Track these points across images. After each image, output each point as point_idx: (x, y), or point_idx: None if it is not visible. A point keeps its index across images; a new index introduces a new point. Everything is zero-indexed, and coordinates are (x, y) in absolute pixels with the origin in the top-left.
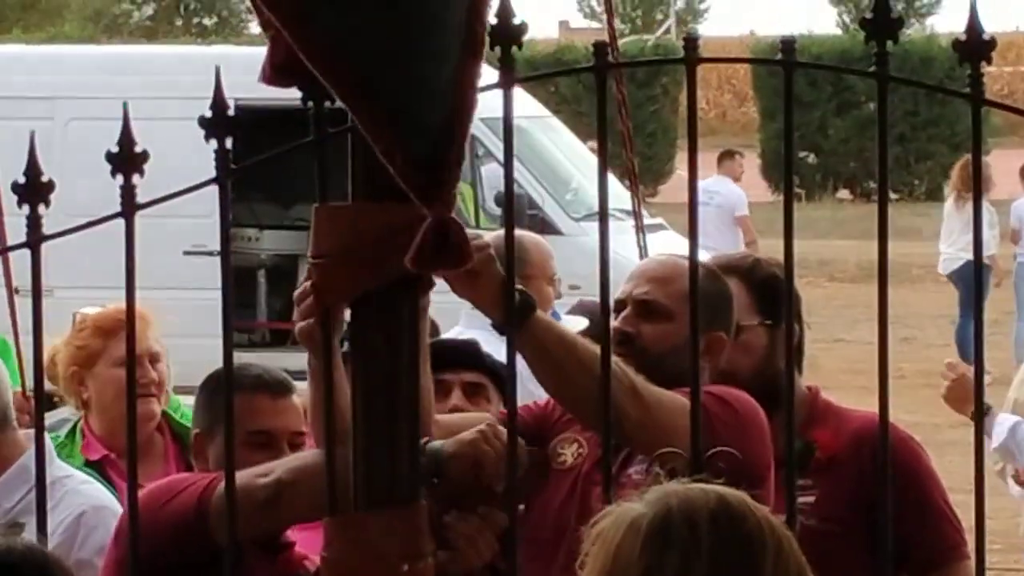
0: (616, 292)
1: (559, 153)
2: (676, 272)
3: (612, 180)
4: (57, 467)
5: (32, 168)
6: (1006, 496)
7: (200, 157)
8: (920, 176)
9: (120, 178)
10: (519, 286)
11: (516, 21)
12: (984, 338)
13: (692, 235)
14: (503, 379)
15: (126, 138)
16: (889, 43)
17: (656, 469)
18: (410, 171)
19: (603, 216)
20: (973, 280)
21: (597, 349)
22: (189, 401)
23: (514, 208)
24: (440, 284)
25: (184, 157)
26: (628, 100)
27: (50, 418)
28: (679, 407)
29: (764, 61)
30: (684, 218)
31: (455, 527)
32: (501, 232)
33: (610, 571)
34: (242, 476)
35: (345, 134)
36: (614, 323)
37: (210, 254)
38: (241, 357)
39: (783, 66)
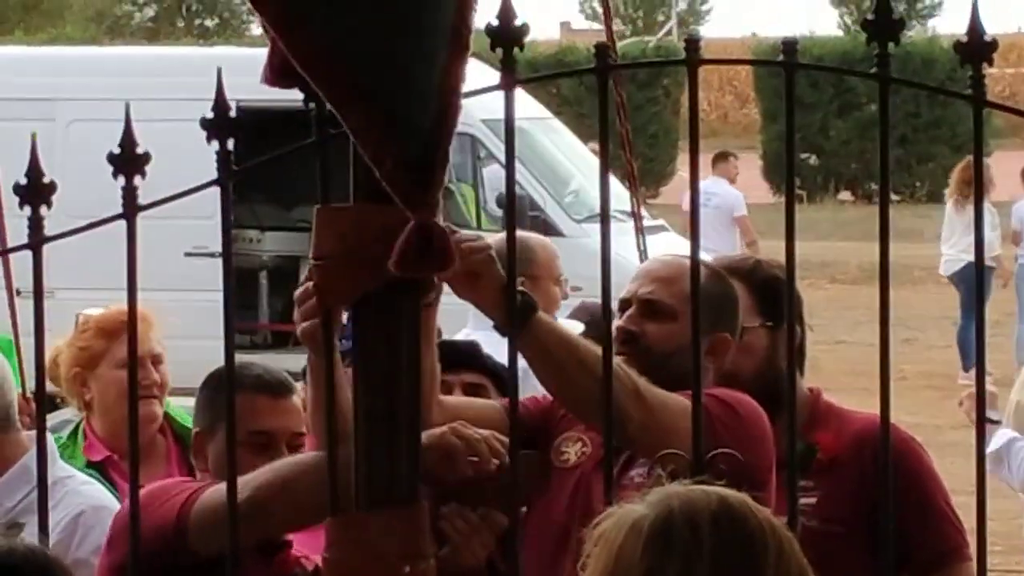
0: (618, 293)
1: (560, 155)
2: (681, 272)
3: (613, 182)
4: (59, 468)
5: (34, 169)
6: (1009, 498)
7: (202, 159)
8: (922, 178)
9: (122, 179)
10: (522, 287)
11: (517, 22)
12: (986, 340)
13: (694, 236)
14: (503, 379)
15: (128, 139)
16: (891, 45)
17: (658, 471)
18: (400, 174)
19: (605, 218)
20: (975, 281)
21: (599, 350)
22: (191, 404)
23: (516, 210)
24: (446, 285)
25: (186, 159)
26: (629, 102)
27: (52, 419)
28: (682, 409)
29: (765, 62)
30: (684, 219)
31: (452, 520)
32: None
33: (612, 572)
34: (217, 491)
35: (346, 135)
36: (618, 322)
37: (212, 255)
38: (243, 358)
39: (784, 67)
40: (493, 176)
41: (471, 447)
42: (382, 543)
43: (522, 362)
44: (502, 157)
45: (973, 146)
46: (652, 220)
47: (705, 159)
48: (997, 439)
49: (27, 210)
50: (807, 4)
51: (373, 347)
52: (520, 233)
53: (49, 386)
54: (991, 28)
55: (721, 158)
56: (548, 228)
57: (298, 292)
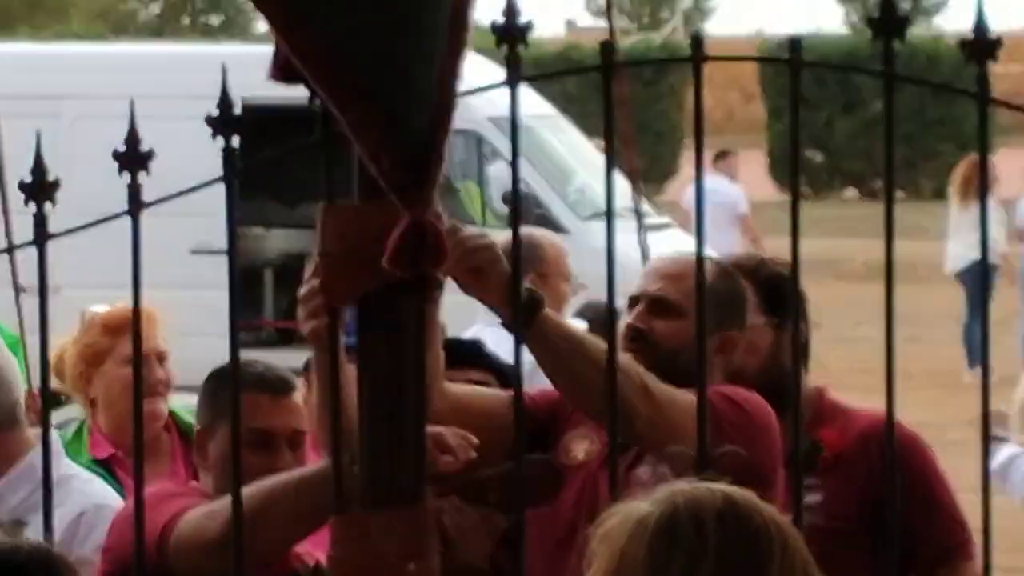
0: (623, 291)
1: (566, 152)
2: (690, 270)
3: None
4: (64, 465)
5: (38, 166)
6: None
7: (207, 156)
8: (927, 175)
9: (126, 176)
10: (529, 284)
11: (522, 20)
12: (991, 337)
13: (699, 233)
14: (508, 377)
15: (132, 136)
16: (896, 42)
17: (663, 468)
18: (397, 173)
19: (610, 215)
20: (980, 279)
21: (606, 346)
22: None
23: (521, 207)
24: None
25: (191, 156)
26: (635, 99)
27: (58, 416)
28: (690, 406)
29: (771, 60)
30: (685, 217)
31: (451, 515)
32: None
33: (617, 570)
34: (194, 515)
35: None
36: (627, 319)
37: (217, 253)
38: (248, 356)
39: (790, 65)
40: (498, 173)
41: (437, 444)
42: (382, 543)
43: (529, 359)
44: (507, 154)
45: (979, 144)
46: (658, 218)
47: (706, 157)
48: (1001, 455)
49: (32, 207)
50: (813, 2)
51: (377, 346)
52: (529, 230)
53: (54, 383)
54: (996, 26)
55: (722, 156)
56: (553, 225)
57: (302, 291)
